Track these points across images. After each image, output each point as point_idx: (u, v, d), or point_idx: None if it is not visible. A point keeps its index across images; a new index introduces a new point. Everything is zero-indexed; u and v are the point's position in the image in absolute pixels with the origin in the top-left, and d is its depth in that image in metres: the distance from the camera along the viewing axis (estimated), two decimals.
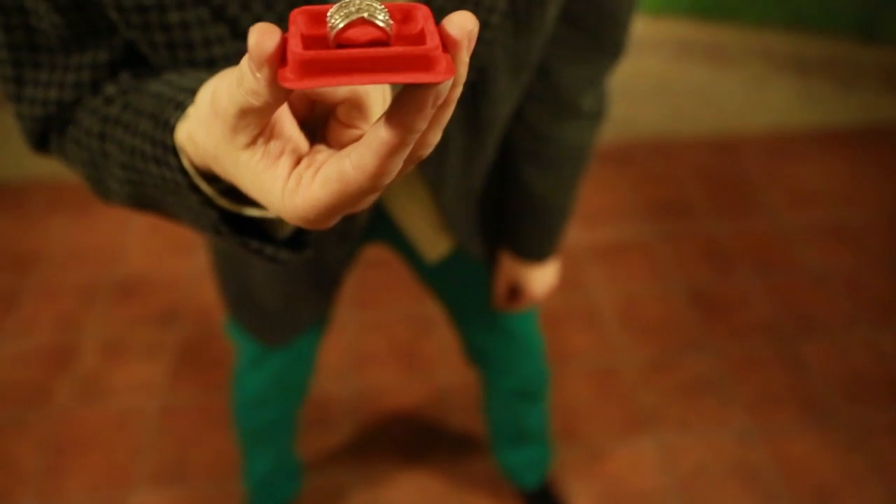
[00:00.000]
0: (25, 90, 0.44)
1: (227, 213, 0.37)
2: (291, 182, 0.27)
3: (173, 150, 0.34)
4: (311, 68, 0.22)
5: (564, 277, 1.78)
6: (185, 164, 0.34)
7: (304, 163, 0.27)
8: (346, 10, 0.23)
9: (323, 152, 0.28)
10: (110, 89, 0.44)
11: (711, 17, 2.65)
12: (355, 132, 0.29)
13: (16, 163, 2.13)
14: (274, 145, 0.28)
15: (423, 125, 0.23)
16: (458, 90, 0.24)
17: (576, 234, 1.90)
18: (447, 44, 0.24)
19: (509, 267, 0.80)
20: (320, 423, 1.49)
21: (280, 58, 0.23)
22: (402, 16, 0.25)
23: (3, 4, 0.40)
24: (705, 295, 1.75)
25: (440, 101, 0.23)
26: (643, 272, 1.80)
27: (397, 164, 0.24)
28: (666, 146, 2.18)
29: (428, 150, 0.26)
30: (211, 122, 0.28)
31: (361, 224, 0.67)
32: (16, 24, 0.41)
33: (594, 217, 1.95)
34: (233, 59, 0.44)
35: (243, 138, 0.27)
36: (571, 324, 1.68)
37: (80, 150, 0.45)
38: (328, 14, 0.24)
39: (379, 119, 0.24)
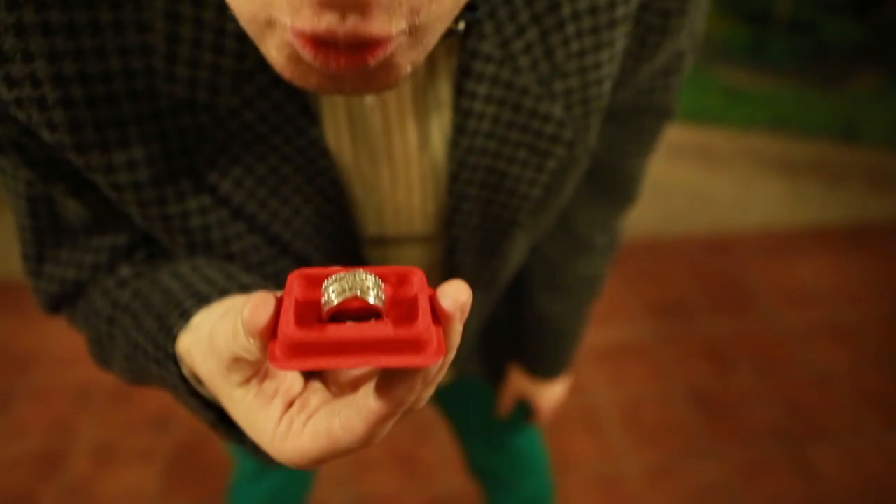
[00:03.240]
0: (45, 267, 0.45)
1: (224, 414, 0.38)
2: (283, 426, 0.27)
3: (174, 359, 0.35)
4: (299, 350, 0.22)
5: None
6: (186, 372, 0.35)
7: (296, 406, 0.28)
8: (341, 285, 0.23)
9: (317, 394, 0.28)
10: (125, 271, 0.44)
11: (700, 121, 2.77)
12: (353, 371, 0.30)
13: (15, 262, 2.15)
14: (268, 385, 0.28)
15: (412, 398, 0.24)
16: (452, 355, 0.25)
17: None
18: (440, 316, 0.23)
19: (519, 382, 0.80)
20: None
21: (272, 330, 0.23)
22: (397, 279, 0.25)
23: (31, 196, 0.41)
24: (707, 397, 1.73)
25: (430, 378, 0.24)
26: (643, 374, 1.79)
27: (386, 429, 0.24)
28: (661, 246, 2.21)
29: (422, 404, 0.27)
30: (208, 356, 0.29)
31: None
32: (42, 212, 0.42)
33: (592, 318, 1.95)
34: (250, 253, 0.44)
35: (238, 377, 0.28)
36: (573, 428, 1.65)
37: (89, 327, 0.45)
38: (323, 286, 0.24)
39: (369, 385, 0.25)
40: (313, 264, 0.47)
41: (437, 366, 0.23)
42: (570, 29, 0.39)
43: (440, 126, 0.43)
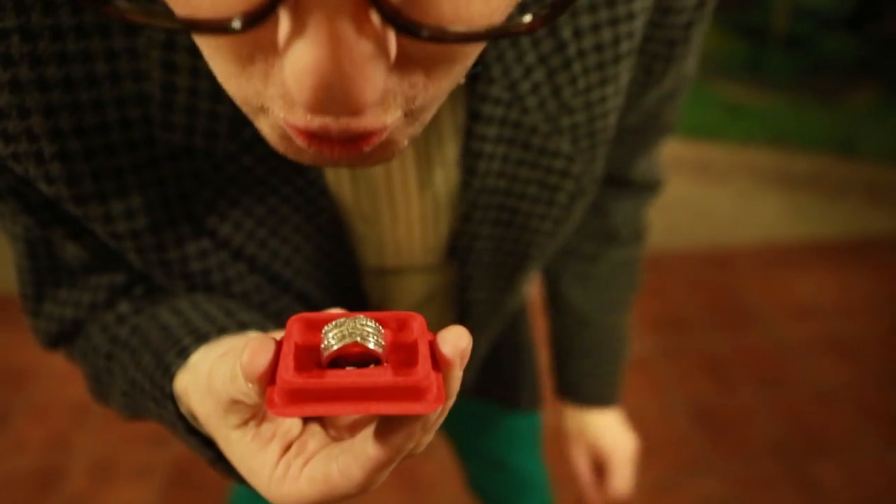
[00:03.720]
0: (44, 306, 0.45)
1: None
2: (280, 469, 0.27)
3: (171, 398, 0.35)
4: (298, 397, 0.22)
5: None
6: (183, 410, 0.35)
7: (294, 449, 0.27)
8: (340, 331, 0.23)
9: (315, 437, 0.28)
10: (124, 307, 0.44)
11: (699, 136, 2.78)
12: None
13: (13, 277, 2.15)
14: (266, 428, 0.28)
15: (411, 446, 0.23)
16: (452, 402, 0.25)
17: None
18: (439, 362, 0.23)
19: (577, 426, 0.75)
20: None
21: (271, 375, 0.23)
22: (397, 324, 0.25)
23: (29, 239, 0.41)
24: (708, 412, 1.72)
25: (429, 425, 0.23)
26: (644, 389, 1.78)
27: (385, 475, 0.24)
28: (661, 260, 2.22)
29: (421, 449, 0.27)
30: (205, 396, 0.28)
31: None
32: (41, 253, 0.42)
33: None
34: (251, 294, 0.44)
35: (235, 419, 0.27)
36: None
37: (87, 364, 0.45)
38: (323, 331, 0.24)
39: (367, 430, 0.24)
40: (314, 301, 0.47)
41: (437, 413, 0.23)
42: (577, 67, 0.40)
43: (441, 164, 0.43)
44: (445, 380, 0.23)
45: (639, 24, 0.40)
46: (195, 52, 0.34)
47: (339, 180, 0.42)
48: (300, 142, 0.23)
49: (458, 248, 0.47)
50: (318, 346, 0.24)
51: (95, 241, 0.41)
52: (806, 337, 1.94)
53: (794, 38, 3.60)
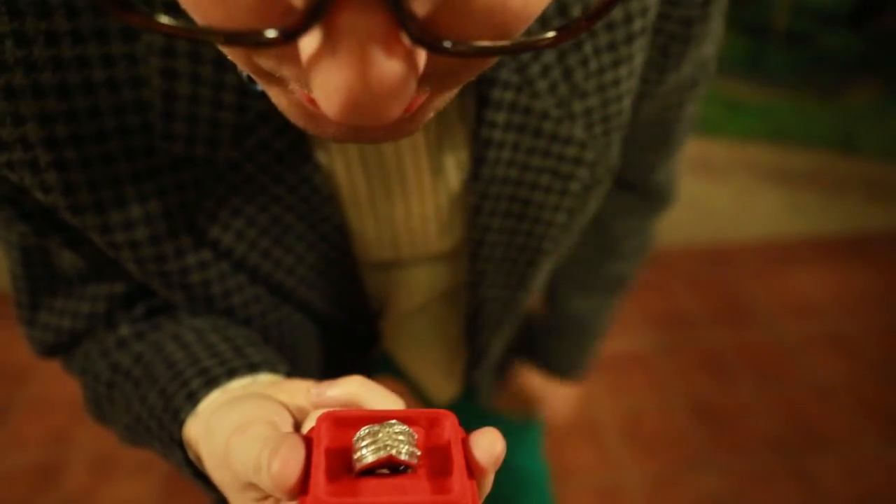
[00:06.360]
0: (39, 316, 0.44)
1: None
2: None
3: (179, 444, 0.34)
4: None
5: None
6: (191, 456, 0.34)
7: None
8: (374, 444, 0.23)
9: None
10: (124, 330, 0.43)
11: (699, 132, 2.78)
12: None
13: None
14: None
15: None
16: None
17: None
18: (473, 469, 0.23)
19: (530, 380, 0.77)
20: None
21: (302, 484, 0.22)
22: (428, 423, 0.25)
23: (24, 246, 0.40)
24: (707, 408, 1.72)
25: None
26: (643, 385, 1.79)
27: None
28: (660, 257, 2.21)
29: None
30: (223, 469, 0.28)
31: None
32: (36, 261, 0.41)
33: None
34: (251, 304, 0.43)
35: (254, 495, 0.27)
36: (573, 439, 1.64)
37: (86, 386, 0.44)
38: (355, 439, 0.24)
39: None
40: (315, 309, 0.46)
41: None
42: (588, 47, 0.38)
43: (454, 154, 0.42)
44: (479, 485, 0.23)
45: (652, 0, 0.38)
46: (196, 59, 0.33)
47: (352, 175, 0.41)
48: (325, 120, 0.23)
49: (469, 242, 0.46)
50: (349, 447, 0.24)
51: (93, 249, 0.40)
52: (805, 333, 1.94)
53: (794, 34, 3.60)
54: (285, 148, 0.37)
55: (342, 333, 0.51)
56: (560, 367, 0.75)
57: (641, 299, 2.05)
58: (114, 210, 0.35)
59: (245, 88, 0.34)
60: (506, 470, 0.90)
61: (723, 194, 2.45)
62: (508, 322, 0.56)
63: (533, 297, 0.58)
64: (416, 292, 0.52)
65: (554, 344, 0.73)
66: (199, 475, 0.35)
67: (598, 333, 0.73)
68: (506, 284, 0.50)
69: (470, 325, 0.54)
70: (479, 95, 0.38)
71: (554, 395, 0.78)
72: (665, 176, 0.57)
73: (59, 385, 1.78)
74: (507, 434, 0.86)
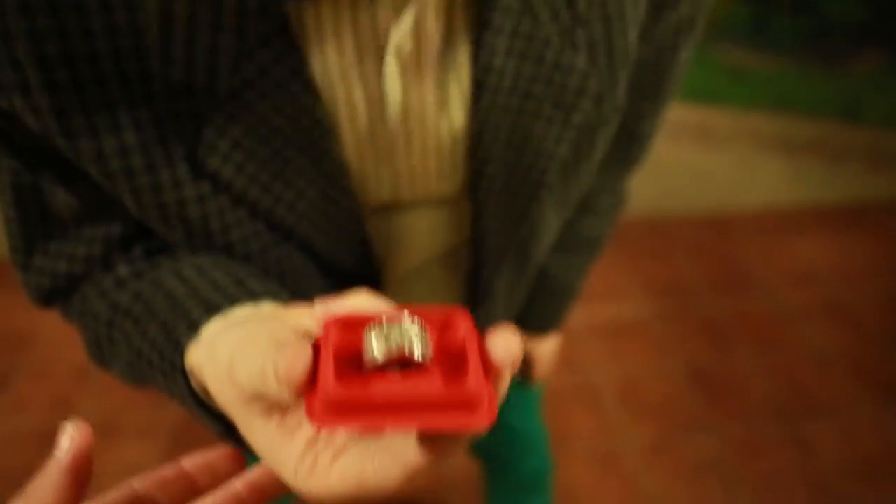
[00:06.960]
0: (35, 260, 0.42)
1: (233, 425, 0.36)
2: (307, 461, 0.25)
3: (182, 372, 0.34)
4: (342, 409, 0.21)
5: (564, 356, 1.77)
6: (195, 385, 0.34)
7: (322, 440, 0.26)
8: (385, 340, 0.22)
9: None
10: (122, 270, 0.42)
11: (701, 100, 2.75)
12: None
13: None
14: (291, 417, 0.26)
15: (458, 454, 0.22)
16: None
17: (574, 313, 1.90)
18: (488, 369, 0.22)
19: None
20: None
21: (310, 381, 0.22)
22: (441, 322, 0.24)
23: (17, 185, 0.39)
24: (705, 375, 1.74)
25: (477, 434, 0.23)
26: (642, 351, 1.80)
27: (424, 481, 0.23)
28: (661, 224, 2.21)
29: (461, 454, 0.26)
30: (226, 385, 0.27)
31: None
32: (30, 202, 0.40)
33: (592, 295, 1.96)
34: (251, 240, 0.42)
35: (259, 407, 0.26)
36: (571, 404, 1.66)
37: (86, 329, 0.43)
38: (365, 336, 0.23)
39: (411, 435, 0.23)
40: (316, 248, 0.46)
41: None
42: None
43: (459, 86, 0.41)
44: (495, 387, 0.22)
45: None
46: None
47: (353, 106, 0.40)
48: None
49: (469, 173, 0.45)
50: (359, 348, 0.23)
51: (88, 186, 0.39)
52: (804, 301, 1.94)
53: (799, 1, 3.54)
54: (286, 75, 0.36)
55: (344, 280, 0.51)
56: (542, 326, 0.77)
57: (641, 266, 2.05)
58: (108, 135, 0.35)
59: (244, 11, 0.33)
60: (504, 433, 0.91)
61: (724, 163, 2.44)
62: (511, 259, 0.55)
63: (542, 250, 0.57)
64: (417, 244, 0.51)
65: (534, 305, 0.74)
66: (203, 405, 0.35)
67: (573, 291, 0.74)
68: (507, 218, 0.49)
69: (473, 260, 0.53)
70: (480, 20, 0.38)
71: (536, 353, 0.80)
72: (650, 128, 0.57)
73: (62, 350, 1.79)
74: (506, 397, 0.87)
